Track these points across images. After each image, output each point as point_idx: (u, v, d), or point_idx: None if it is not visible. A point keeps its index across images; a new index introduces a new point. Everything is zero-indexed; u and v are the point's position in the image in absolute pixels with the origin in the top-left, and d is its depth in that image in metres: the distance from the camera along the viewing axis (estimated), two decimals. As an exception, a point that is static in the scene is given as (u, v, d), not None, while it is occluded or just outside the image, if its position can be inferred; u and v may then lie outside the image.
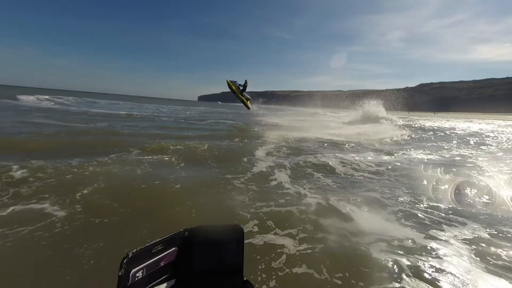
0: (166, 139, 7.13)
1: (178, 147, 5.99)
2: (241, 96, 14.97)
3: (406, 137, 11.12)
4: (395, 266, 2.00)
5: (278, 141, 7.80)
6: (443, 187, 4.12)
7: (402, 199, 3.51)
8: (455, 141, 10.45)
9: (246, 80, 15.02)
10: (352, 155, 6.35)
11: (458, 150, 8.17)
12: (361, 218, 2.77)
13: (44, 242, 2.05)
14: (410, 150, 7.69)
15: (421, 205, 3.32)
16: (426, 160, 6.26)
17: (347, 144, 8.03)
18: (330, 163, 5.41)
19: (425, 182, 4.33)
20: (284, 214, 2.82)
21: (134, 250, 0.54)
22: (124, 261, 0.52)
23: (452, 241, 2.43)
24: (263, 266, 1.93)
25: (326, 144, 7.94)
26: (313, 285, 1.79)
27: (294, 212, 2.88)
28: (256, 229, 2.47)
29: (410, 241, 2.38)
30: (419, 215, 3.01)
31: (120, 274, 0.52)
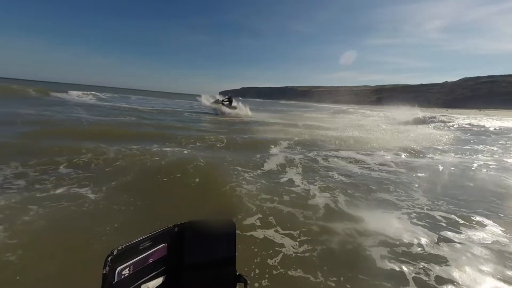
0: (187, 132, 7.53)
1: (198, 143, 6.27)
2: (228, 109, 17.01)
3: (439, 137, 10.08)
4: (405, 275, 1.90)
5: (294, 139, 7.69)
6: (471, 192, 3.72)
7: (421, 202, 3.26)
8: (501, 144, 9.09)
9: (230, 96, 17.55)
10: (373, 156, 6.02)
11: (504, 155, 7.02)
12: (372, 222, 2.66)
13: (75, 215, 2.47)
14: (442, 152, 6.98)
15: (441, 208, 3.05)
16: (457, 164, 5.65)
17: (369, 144, 7.59)
18: (346, 163, 5.21)
19: (452, 188, 3.95)
20: (291, 212, 2.84)
21: (120, 247, 0.50)
22: (109, 258, 0.48)
23: (468, 248, 2.22)
24: (258, 260, 1.99)
25: (345, 143, 7.61)
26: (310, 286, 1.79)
27: (301, 209, 2.89)
28: (258, 223, 2.54)
29: (429, 248, 2.24)
30: (437, 217, 2.79)
31: (104, 272, 0.48)
